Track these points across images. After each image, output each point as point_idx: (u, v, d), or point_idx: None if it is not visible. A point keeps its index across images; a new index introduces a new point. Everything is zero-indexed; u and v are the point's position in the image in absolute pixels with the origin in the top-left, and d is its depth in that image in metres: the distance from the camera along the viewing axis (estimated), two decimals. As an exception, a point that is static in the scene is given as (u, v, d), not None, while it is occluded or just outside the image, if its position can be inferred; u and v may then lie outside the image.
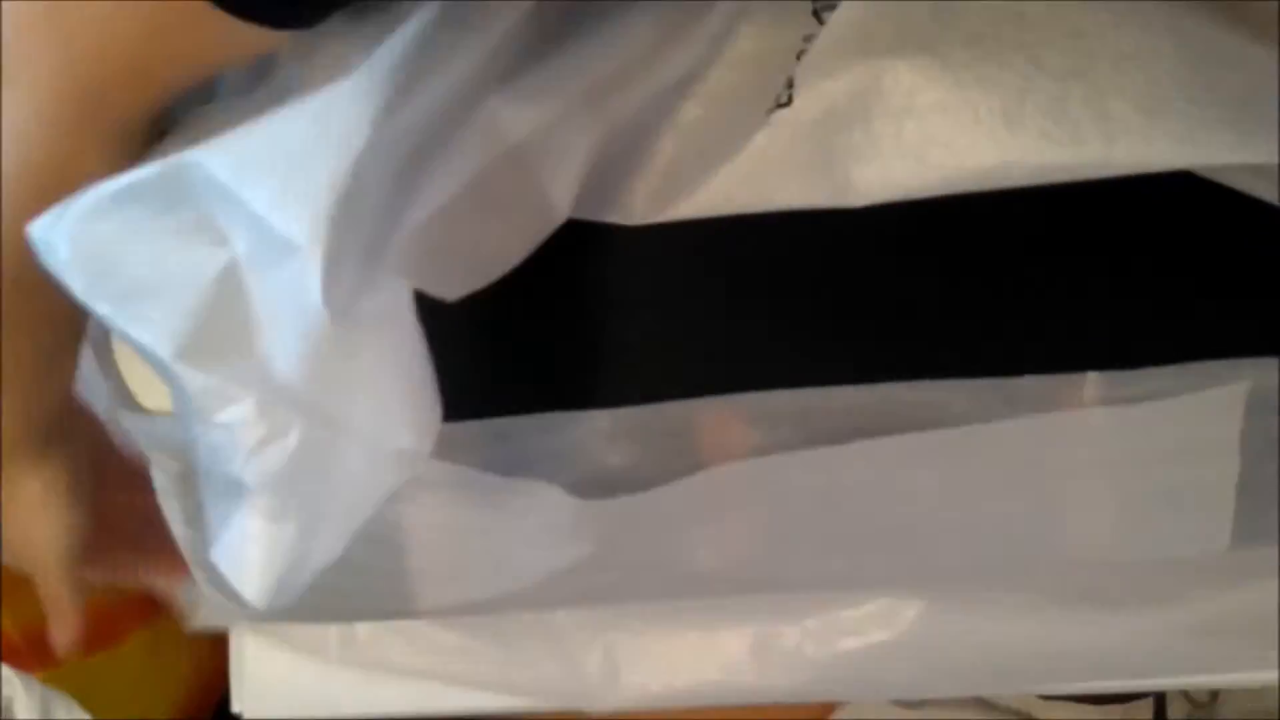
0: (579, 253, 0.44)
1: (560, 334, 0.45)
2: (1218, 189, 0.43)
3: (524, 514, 0.43)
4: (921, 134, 0.37)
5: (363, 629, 0.46)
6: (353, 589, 0.44)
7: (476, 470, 0.43)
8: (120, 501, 0.40)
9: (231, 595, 0.35)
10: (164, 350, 0.32)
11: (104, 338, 0.42)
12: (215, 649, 0.49)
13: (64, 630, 0.40)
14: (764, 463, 0.42)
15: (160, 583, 0.43)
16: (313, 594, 0.44)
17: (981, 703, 0.55)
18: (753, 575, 0.45)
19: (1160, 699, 0.56)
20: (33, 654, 0.45)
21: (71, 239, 0.30)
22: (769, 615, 0.45)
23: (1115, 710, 0.56)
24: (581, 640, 0.46)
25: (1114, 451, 0.44)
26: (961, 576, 0.46)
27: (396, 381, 0.37)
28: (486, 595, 0.44)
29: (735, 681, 0.45)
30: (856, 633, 0.45)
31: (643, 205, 0.41)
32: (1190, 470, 0.44)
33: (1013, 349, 0.44)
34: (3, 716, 0.44)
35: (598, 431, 0.44)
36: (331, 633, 0.46)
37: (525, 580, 0.43)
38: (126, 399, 0.41)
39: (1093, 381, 0.43)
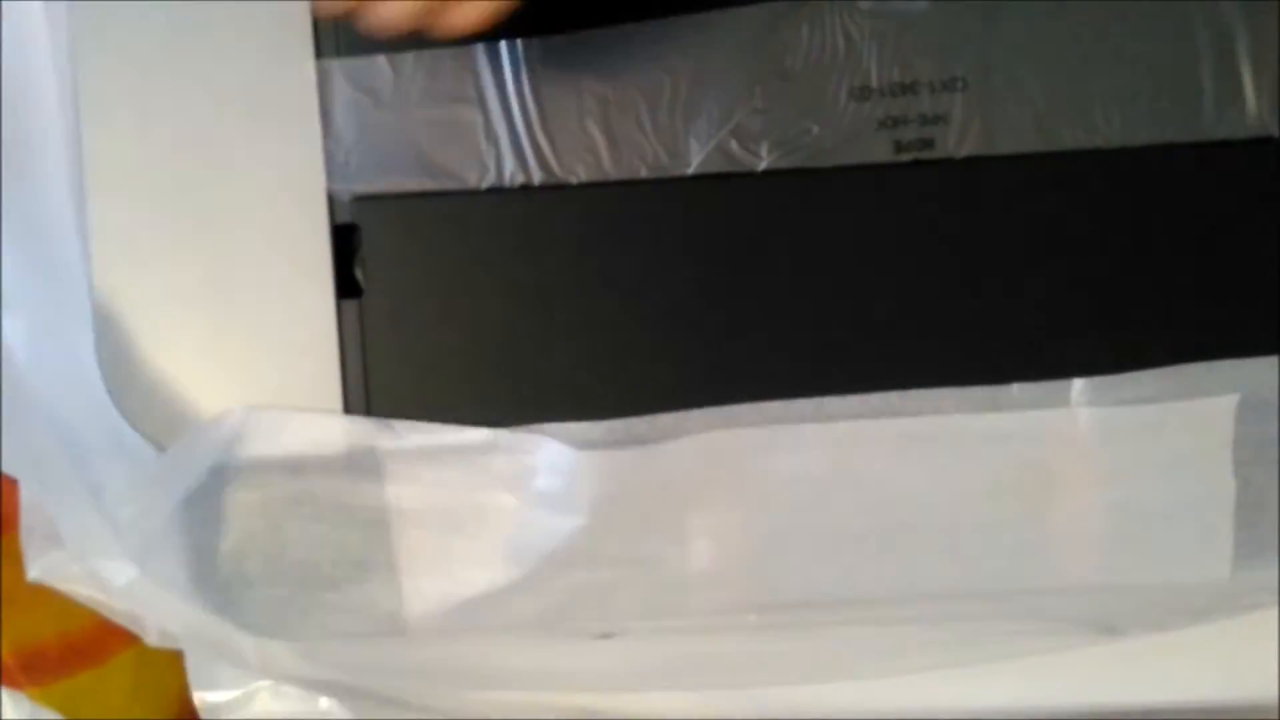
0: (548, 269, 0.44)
1: (538, 343, 0.45)
2: (1199, 187, 0.43)
3: (521, 479, 0.43)
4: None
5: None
6: (340, 596, 0.45)
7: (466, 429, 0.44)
8: None
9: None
10: None
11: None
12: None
13: None
14: (756, 437, 0.43)
15: None
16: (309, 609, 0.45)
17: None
18: (746, 578, 0.45)
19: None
20: (22, 672, 0.45)
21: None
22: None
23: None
24: None
25: (1102, 463, 0.44)
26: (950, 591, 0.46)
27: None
28: (477, 587, 0.44)
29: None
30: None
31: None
32: (1183, 489, 0.44)
33: (1002, 355, 0.44)
34: (-8, 735, 0.44)
35: (587, 441, 0.45)
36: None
37: (523, 565, 0.43)
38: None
39: (1080, 388, 0.44)
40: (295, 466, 0.44)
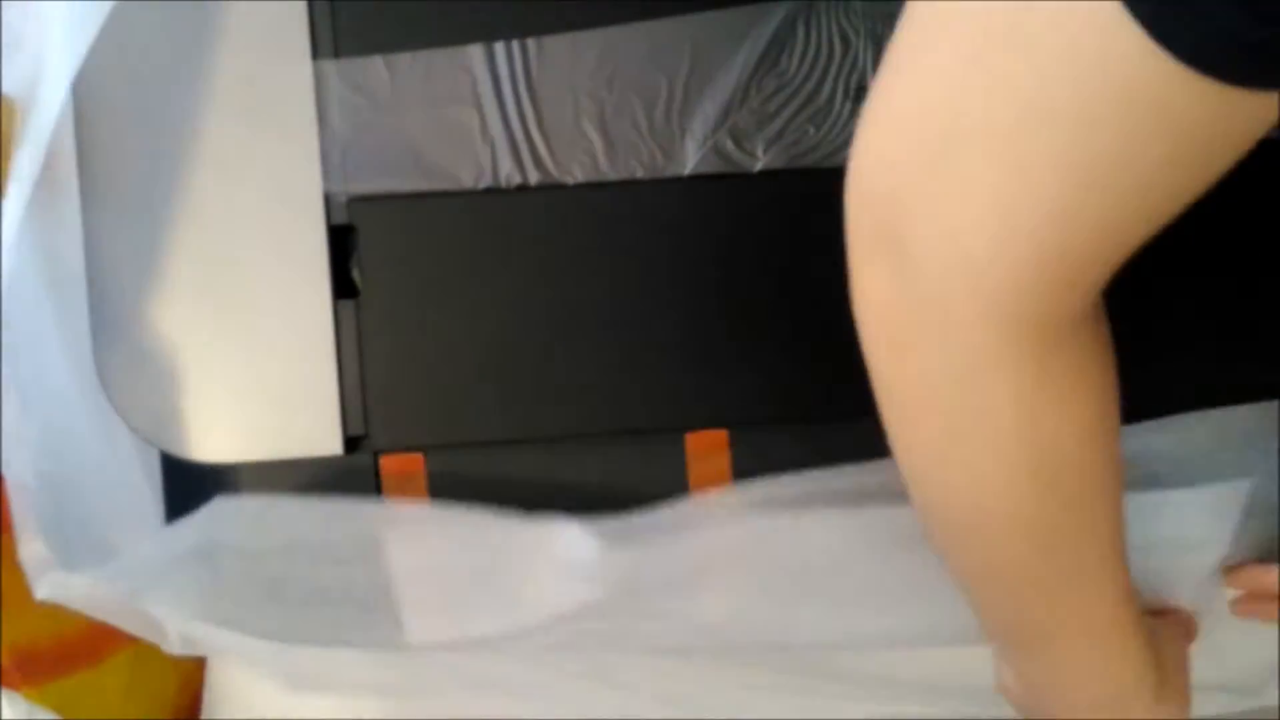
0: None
1: (534, 343, 0.45)
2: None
3: (534, 550, 0.44)
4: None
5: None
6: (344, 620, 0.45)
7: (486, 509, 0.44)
8: None
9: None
10: None
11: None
12: (200, 666, 0.49)
13: None
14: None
15: None
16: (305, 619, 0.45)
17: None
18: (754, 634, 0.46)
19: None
20: (19, 671, 0.45)
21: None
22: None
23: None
24: None
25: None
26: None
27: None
28: (484, 632, 0.44)
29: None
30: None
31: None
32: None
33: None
34: (-12, 734, 0.44)
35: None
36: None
37: (530, 619, 0.44)
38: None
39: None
40: (295, 542, 0.45)
